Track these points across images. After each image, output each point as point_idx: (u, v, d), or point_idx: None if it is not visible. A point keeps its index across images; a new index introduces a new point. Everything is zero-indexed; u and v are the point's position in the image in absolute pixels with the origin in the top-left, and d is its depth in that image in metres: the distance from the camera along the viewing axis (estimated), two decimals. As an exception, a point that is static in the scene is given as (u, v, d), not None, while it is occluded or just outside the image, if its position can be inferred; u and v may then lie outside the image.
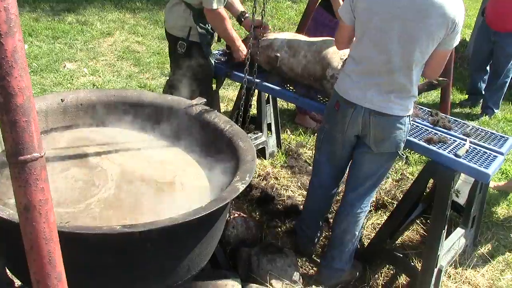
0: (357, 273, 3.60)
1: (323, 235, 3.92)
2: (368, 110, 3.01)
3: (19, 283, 2.90)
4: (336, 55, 3.61)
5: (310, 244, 3.75)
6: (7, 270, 2.84)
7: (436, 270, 3.39)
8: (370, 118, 3.02)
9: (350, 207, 3.38)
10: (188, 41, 3.80)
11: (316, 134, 5.53)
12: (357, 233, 3.45)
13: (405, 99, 2.99)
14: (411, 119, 3.11)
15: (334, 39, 3.43)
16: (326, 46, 3.70)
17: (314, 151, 3.62)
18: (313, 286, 3.37)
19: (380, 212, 4.33)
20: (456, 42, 2.91)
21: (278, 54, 3.87)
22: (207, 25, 3.81)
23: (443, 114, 3.76)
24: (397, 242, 4.04)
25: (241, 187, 2.28)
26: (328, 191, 3.58)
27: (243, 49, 3.89)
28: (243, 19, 4.08)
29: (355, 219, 3.38)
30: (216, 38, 4.06)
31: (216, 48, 4.54)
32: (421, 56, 2.86)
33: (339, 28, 3.19)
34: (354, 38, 3.07)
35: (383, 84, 2.95)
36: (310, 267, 3.68)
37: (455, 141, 3.37)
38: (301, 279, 3.43)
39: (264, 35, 4.02)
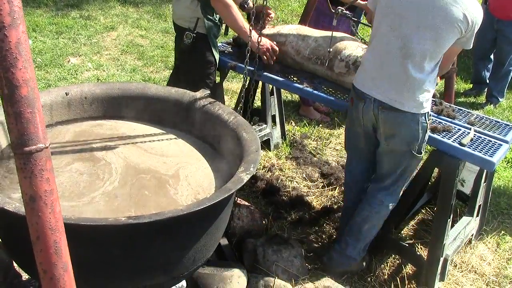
0: (364, 264, 3.61)
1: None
2: (377, 104, 3.01)
3: (27, 276, 2.92)
4: (354, 42, 3.67)
5: None
6: (15, 264, 2.86)
7: (442, 259, 3.40)
8: (379, 113, 3.02)
9: (370, 196, 3.41)
10: (195, 32, 3.80)
11: (320, 125, 5.55)
12: (377, 226, 3.44)
13: (419, 94, 2.96)
14: (428, 117, 3.07)
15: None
16: (343, 36, 3.78)
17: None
18: (319, 276, 3.38)
19: (385, 202, 4.33)
20: (470, 44, 2.97)
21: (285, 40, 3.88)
22: (214, 17, 3.79)
23: (448, 103, 3.75)
24: (402, 231, 4.04)
25: (246, 177, 2.28)
26: (362, 185, 3.59)
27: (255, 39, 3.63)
28: (246, 6, 4.01)
29: (375, 209, 3.38)
30: (223, 31, 4.04)
31: (220, 41, 4.54)
32: (436, 46, 2.85)
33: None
34: (373, 24, 3.09)
35: (396, 75, 2.94)
36: (316, 258, 3.69)
37: (460, 130, 3.36)
38: (307, 269, 3.44)
39: (269, 17, 4.02)
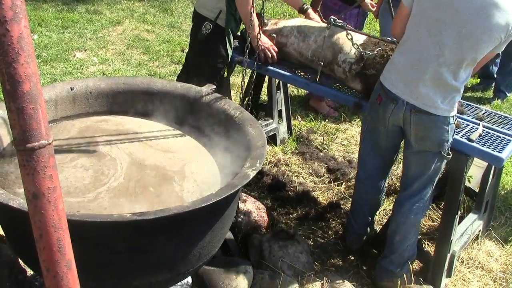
0: (404, 282, 3.40)
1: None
2: (410, 107, 2.95)
3: (31, 272, 2.92)
4: (349, 41, 3.57)
5: (356, 239, 3.69)
6: (20, 260, 2.86)
7: (449, 255, 3.38)
8: (411, 116, 2.97)
9: (399, 206, 3.33)
10: (214, 23, 3.80)
11: (326, 120, 5.52)
12: (408, 236, 3.32)
13: (452, 98, 2.91)
14: (455, 118, 3.02)
15: None
16: (338, 31, 3.66)
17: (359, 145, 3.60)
18: (325, 272, 3.36)
19: (392, 198, 4.31)
20: (503, 48, 2.87)
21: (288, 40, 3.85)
22: (237, 12, 3.79)
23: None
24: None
25: (252, 173, 2.26)
26: (375, 183, 3.52)
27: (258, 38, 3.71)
28: (305, 8, 4.13)
29: (403, 219, 3.28)
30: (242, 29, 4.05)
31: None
32: (474, 55, 2.78)
33: (398, 9, 3.09)
34: (408, 27, 2.97)
35: (431, 81, 2.87)
36: (322, 254, 3.67)
37: (468, 125, 3.34)
38: (313, 265, 3.43)
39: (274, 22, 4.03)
